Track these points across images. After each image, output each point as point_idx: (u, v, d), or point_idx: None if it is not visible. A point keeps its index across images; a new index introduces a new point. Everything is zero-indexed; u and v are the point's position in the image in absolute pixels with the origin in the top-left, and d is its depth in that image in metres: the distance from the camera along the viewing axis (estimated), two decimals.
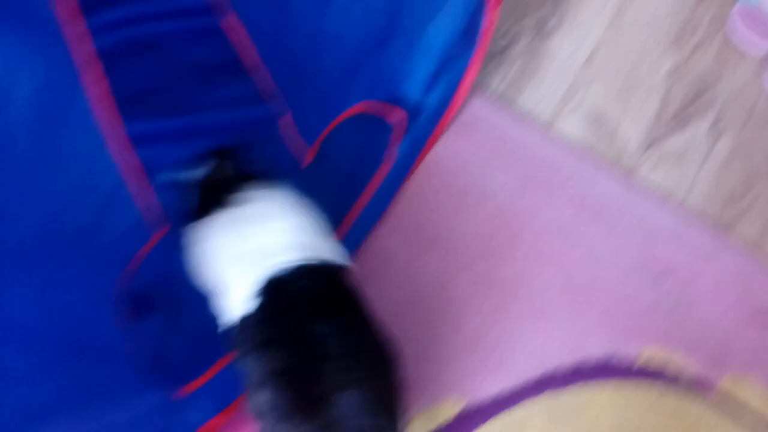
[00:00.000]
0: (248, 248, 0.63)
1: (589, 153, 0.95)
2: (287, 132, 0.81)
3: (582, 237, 0.89)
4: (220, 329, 0.64)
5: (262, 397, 0.55)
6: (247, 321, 0.59)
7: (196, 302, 0.80)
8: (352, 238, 0.83)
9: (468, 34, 0.88)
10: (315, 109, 0.80)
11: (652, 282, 0.87)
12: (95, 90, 0.54)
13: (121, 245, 0.71)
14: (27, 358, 0.57)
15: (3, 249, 0.53)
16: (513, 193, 0.91)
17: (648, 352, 0.83)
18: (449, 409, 0.78)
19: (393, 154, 0.88)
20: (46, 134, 0.53)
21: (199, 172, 0.71)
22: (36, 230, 0.55)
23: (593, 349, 0.82)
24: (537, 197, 0.91)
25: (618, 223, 0.90)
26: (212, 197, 0.67)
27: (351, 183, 0.86)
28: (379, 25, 0.79)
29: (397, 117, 0.89)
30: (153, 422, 0.69)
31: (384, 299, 0.69)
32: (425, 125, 0.91)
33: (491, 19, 0.87)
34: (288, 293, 0.59)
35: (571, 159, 0.94)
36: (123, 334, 0.70)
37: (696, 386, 0.81)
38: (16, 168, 0.52)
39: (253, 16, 0.64)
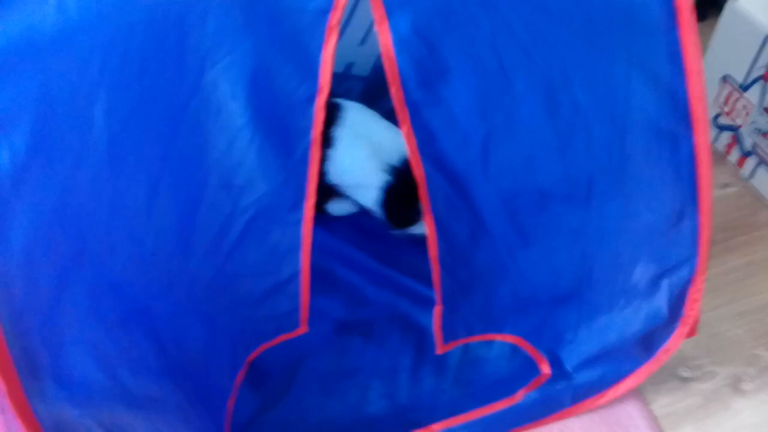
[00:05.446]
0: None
1: None
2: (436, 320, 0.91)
3: None
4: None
5: None
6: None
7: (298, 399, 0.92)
8: None
9: (646, 342, 0.90)
10: (469, 315, 0.89)
11: None
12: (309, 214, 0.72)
13: (269, 323, 0.86)
14: None
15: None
16: None
17: None
18: None
19: (519, 397, 0.92)
20: (262, 222, 0.71)
21: None
22: (208, 279, 0.72)
23: None
24: None
25: None
26: None
27: (465, 393, 0.91)
28: (561, 287, 0.86)
29: (543, 369, 0.93)
30: None
31: None
32: (563, 395, 0.93)
33: (674, 343, 0.89)
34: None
35: None
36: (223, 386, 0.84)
37: None
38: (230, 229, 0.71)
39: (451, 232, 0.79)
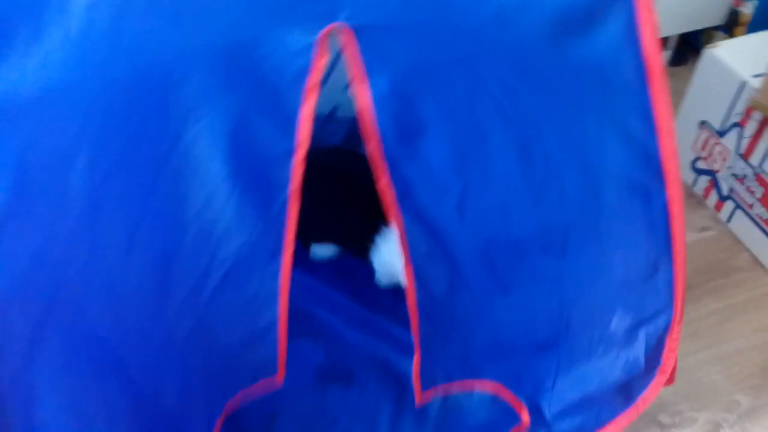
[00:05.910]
0: None
1: None
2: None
3: None
4: None
5: None
6: None
7: None
8: None
9: (625, 390, 0.90)
10: (448, 362, 0.88)
11: None
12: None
13: (246, 372, 0.85)
14: None
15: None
16: None
17: None
18: None
19: None
20: (240, 272, 0.71)
21: None
22: (186, 329, 0.72)
23: None
24: None
25: None
26: None
27: None
28: (539, 335, 0.86)
29: (522, 417, 0.92)
30: None
31: None
32: None
33: (653, 391, 0.89)
34: None
35: None
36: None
37: None
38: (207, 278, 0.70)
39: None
